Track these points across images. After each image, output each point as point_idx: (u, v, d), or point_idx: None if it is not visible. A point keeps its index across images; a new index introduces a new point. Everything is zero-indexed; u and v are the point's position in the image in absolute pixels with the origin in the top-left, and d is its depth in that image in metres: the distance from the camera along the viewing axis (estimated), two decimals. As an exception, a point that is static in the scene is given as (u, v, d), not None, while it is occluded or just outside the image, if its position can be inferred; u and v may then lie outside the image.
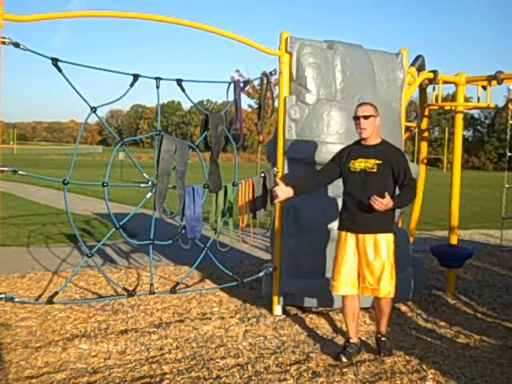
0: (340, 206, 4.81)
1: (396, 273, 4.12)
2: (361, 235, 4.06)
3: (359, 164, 4.06)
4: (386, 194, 3.84)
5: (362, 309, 5.11)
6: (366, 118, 4.00)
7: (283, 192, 4.13)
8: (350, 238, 4.10)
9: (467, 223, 12.22)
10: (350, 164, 4.10)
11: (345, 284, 4.10)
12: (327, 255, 5.00)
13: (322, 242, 4.96)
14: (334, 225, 4.96)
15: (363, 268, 4.07)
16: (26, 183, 21.48)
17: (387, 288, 4.05)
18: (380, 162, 4.00)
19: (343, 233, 4.16)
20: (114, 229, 4.45)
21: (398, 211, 5.33)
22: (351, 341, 4.18)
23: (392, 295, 4.10)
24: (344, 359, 4.05)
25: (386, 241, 4.05)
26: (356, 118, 4.05)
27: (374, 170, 4.00)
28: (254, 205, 5.05)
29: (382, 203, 3.79)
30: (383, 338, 4.29)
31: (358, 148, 4.15)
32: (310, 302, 5.02)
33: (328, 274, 5.00)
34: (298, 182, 4.31)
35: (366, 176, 4.02)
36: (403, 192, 4.04)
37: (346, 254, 4.10)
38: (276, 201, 4.25)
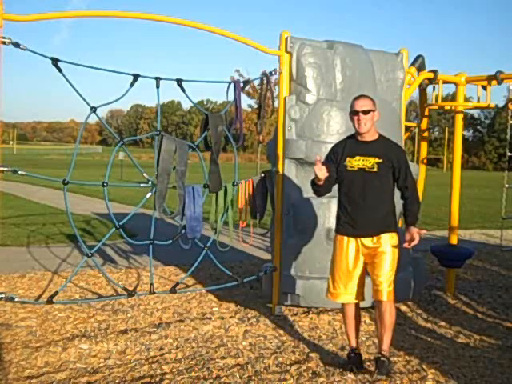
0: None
1: (396, 273, 3.85)
2: (363, 239, 3.75)
3: (357, 162, 3.72)
4: (414, 231, 3.63)
5: (361, 309, 5.11)
6: (365, 112, 3.67)
7: (322, 170, 3.60)
8: (350, 244, 3.78)
9: (467, 223, 12.23)
10: (346, 162, 3.76)
11: (344, 292, 3.82)
12: (327, 255, 4.99)
13: (321, 241, 4.96)
14: (334, 225, 4.97)
15: (372, 272, 3.76)
16: (26, 183, 21.49)
17: (389, 290, 3.74)
18: (380, 160, 3.68)
19: (342, 237, 3.83)
20: (113, 229, 4.45)
21: (397, 210, 5.33)
22: (356, 351, 3.95)
23: (392, 297, 3.79)
24: (354, 369, 3.83)
25: (390, 241, 3.75)
26: (354, 113, 3.71)
27: (375, 170, 3.68)
28: (254, 204, 5.05)
29: (417, 240, 3.63)
30: (382, 358, 3.78)
31: (353, 144, 3.80)
32: (310, 301, 5.02)
33: (328, 274, 5.00)
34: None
35: (364, 175, 3.70)
36: (410, 200, 3.75)
37: (347, 259, 3.78)
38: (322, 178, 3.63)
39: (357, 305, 3.92)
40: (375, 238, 3.75)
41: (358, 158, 3.73)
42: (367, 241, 3.76)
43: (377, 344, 4.36)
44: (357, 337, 4.00)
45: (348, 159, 3.76)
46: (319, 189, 3.82)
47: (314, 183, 3.80)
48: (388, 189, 3.78)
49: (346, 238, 3.81)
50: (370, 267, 3.80)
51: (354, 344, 3.96)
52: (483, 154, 72.21)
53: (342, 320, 5.01)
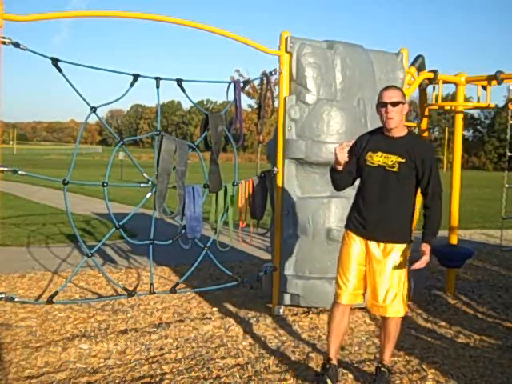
0: (337, 205, 4.65)
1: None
2: (371, 242, 3.47)
3: (378, 158, 3.40)
4: (426, 251, 3.27)
5: (361, 309, 5.11)
6: (394, 104, 3.33)
7: (343, 153, 3.37)
8: (358, 241, 3.51)
9: (467, 223, 12.23)
10: (367, 156, 3.45)
11: (350, 293, 3.52)
12: (327, 255, 5.00)
13: (321, 241, 4.96)
14: (334, 225, 4.97)
15: (373, 281, 3.46)
16: (26, 183, 21.49)
17: (397, 307, 3.46)
18: (403, 160, 3.34)
19: (351, 233, 3.55)
20: (113, 229, 4.46)
21: None
22: (332, 362, 3.60)
23: (403, 314, 3.53)
24: (329, 382, 3.52)
25: (400, 252, 3.43)
26: (382, 105, 3.38)
27: (394, 169, 3.35)
28: (254, 204, 5.05)
29: (426, 262, 3.28)
30: (383, 369, 3.61)
31: (379, 138, 3.48)
32: (310, 301, 5.02)
33: (328, 274, 5.01)
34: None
35: (383, 174, 3.38)
36: (428, 214, 3.38)
37: (354, 258, 3.51)
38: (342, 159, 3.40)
39: (348, 312, 3.62)
40: (382, 246, 3.44)
41: (380, 153, 3.42)
42: (374, 246, 3.46)
43: (377, 344, 4.37)
44: (338, 347, 3.69)
45: (369, 154, 3.45)
46: (338, 177, 3.53)
47: (333, 170, 3.52)
48: (408, 193, 3.44)
49: (355, 235, 3.54)
50: (371, 277, 3.48)
51: (332, 354, 3.62)
52: (483, 154, 72.27)
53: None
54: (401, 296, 3.46)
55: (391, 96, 3.37)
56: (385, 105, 3.37)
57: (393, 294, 3.43)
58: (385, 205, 3.41)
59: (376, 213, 3.43)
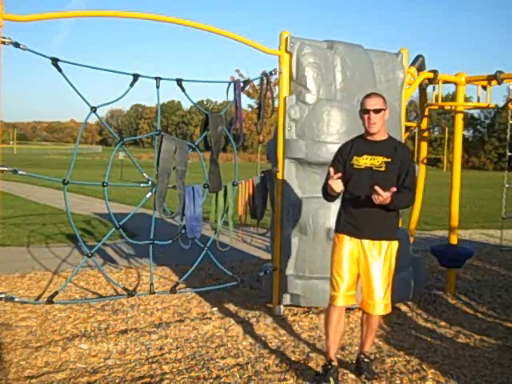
0: (337, 205, 4.69)
1: (395, 273, 3.71)
2: (365, 241, 3.61)
3: (364, 161, 3.60)
4: (387, 192, 3.34)
5: (361, 309, 5.11)
6: (377, 111, 3.54)
7: (339, 184, 3.50)
8: (351, 243, 3.64)
9: (467, 223, 12.23)
10: (353, 161, 3.63)
11: (344, 295, 3.62)
12: (327, 255, 4.99)
13: (322, 241, 4.96)
14: (334, 224, 4.97)
15: (370, 279, 3.60)
16: (26, 183, 21.49)
17: (389, 304, 3.66)
18: (389, 159, 3.56)
19: (344, 236, 3.68)
20: (113, 229, 4.46)
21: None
22: (333, 363, 3.66)
23: (389, 310, 3.70)
24: (332, 382, 3.56)
25: (390, 249, 3.63)
26: (365, 112, 3.58)
27: (382, 169, 3.55)
28: (254, 204, 5.05)
29: (383, 197, 3.33)
30: (366, 360, 3.83)
31: (362, 143, 3.68)
32: (310, 301, 5.02)
33: (328, 274, 5.00)
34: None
35: (372, 175, 3.55)
36: (404, 193, 3.53)
37: (347, 259, 3.63)
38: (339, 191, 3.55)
39: (344, 313, 3.71)
40: (377, 244, 3.61)
41: (365, 156, 3.61)
42: (368, 244, 3.61)
43: (377, 344, 4.37)
44: (337, 348, 3.78)
45: (355, 158, 3.63)
46: (332, 198, 3.69)
47: (326, 192, 3.64)
48: None
49: (346, 236, 3.67)
50: (365, 276, 3.63)
51: (332, 355, 3.70)
52: (483, 154, 72.27)
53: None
54: (389, 293, 3.69)
55: (373, 103, 3.57)
56: (367, 112, 3.57)
57: (386, 292, 3.65)
58: (374, 204, 3.45)
59: (366, 212, 3.59)
